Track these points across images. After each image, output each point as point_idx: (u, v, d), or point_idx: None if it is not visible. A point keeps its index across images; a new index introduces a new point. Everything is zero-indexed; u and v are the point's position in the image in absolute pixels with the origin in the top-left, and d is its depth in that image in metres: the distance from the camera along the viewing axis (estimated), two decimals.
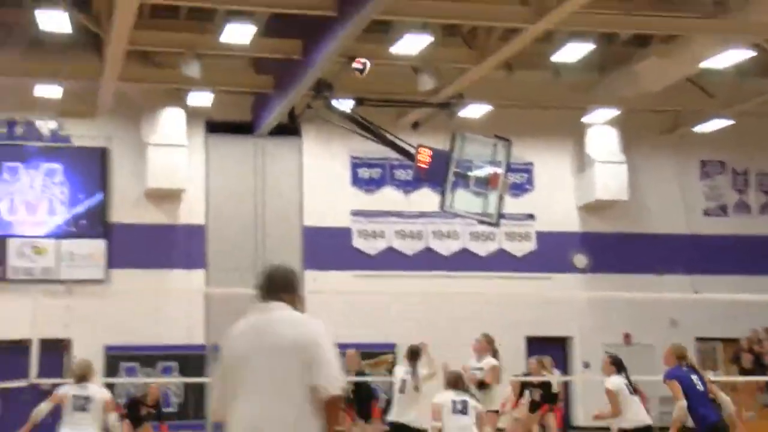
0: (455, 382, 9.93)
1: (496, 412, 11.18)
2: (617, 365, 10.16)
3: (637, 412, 9.84)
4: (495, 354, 11.22)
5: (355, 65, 10.58)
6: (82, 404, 9.22)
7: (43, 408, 9.87)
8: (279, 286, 4.40)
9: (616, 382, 9.89)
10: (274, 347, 4.19)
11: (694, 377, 9.34)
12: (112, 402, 9.93)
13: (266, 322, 4.29)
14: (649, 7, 16.72)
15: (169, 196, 19.75)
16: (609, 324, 20.71)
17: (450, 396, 9.81)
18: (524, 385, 14.67)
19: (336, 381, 4.21)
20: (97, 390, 9.68)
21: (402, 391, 10.69)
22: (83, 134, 19.57)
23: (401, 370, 10.91)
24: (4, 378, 16.83)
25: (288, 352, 4.17)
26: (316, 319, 4.31)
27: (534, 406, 14.67)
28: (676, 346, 9.73)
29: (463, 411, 9.46)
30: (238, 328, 4.37)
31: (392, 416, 10.73)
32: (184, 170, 19.50)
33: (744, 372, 18.27)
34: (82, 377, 9.61)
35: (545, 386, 14.65)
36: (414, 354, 10.88)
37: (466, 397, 9.81)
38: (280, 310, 4.34)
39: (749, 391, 18.91)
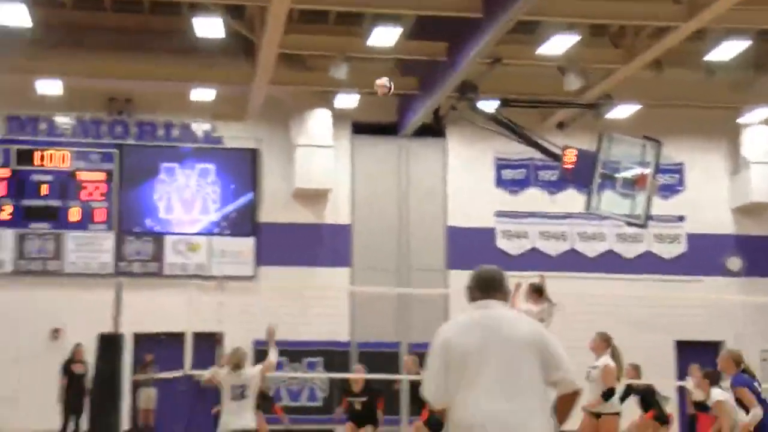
0: None
1: (616, 414, 10.80)
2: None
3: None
4: (613, 353, 10.81)
5: (379, 85, 10.87)
6: (240, 393, 9.59)
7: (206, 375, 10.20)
8: (495, 286, 4.60)
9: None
10: (509, 341, 4.36)
11: (755, 384, 9.10)
12: (268, 366, 10.22)
13: (495, 318, 4.47)
14: None
15: (315, 196, 20.19)
16: (765, 329, 19.96)
17: None
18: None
19: (573, 375, 4.40)
20: (250, 374, 9.97)
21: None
22: (235, 136, 20.24)
23: None
24: (163, 369, 17.66)
25: (525, 347, 4.35)
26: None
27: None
28: (734, 353, 9.42)
29: None
30: (461, 323, 4.53)
31: None
32: (330, 171, 19.88)
33: None
34: (237, 365, 9.85)
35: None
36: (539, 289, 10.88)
37: None
38: (501, 308, 4.55)
39: None
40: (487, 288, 4.58)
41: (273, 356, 10.00)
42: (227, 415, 9.70)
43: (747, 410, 9.02)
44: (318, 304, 19.24)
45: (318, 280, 19.82)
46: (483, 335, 4.39)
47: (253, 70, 17.51)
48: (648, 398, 13.75)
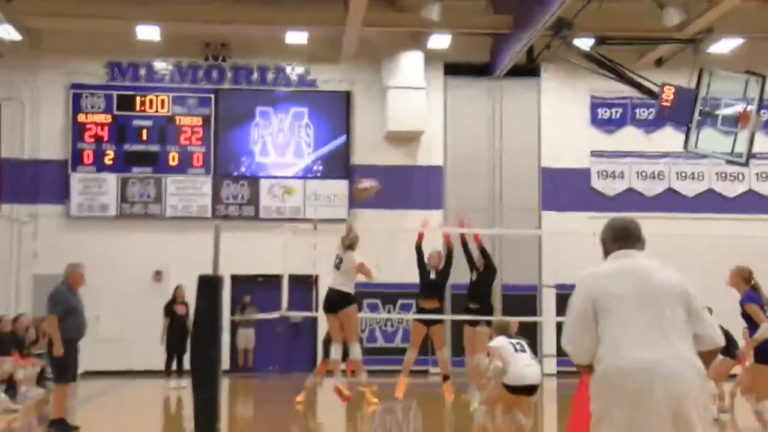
0: None
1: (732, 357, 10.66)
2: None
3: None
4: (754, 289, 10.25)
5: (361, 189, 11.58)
6: (337, 264, 11.93)
7: None
8: (635, 237, 4.57)
9: None
10: (659, 289, 4.34)
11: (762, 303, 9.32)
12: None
13: (641, 267, 4.44)
14: None
15: (408, 138, 20.19)
16: None
17: None
18: None
19: (719, 334, 4.37)
20: (351, 257, 12.54)
21: None
22: (328, 79, 20.33)
23: None
24: (260, 310, 18.08)
25: (674, 296, 4.32)
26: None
27: None
28: (742, 269, 9.42)
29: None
30: (606, 271, 4.48)
31: None
32: (422, 112, 19.83)
33: None
34: (350, 246, 12.51)
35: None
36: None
37: None
38: (642, 258, 4.51)
39: None
40: (625, 238, 4.55)
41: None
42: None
43: (756, 326, 9.18)
44: (410, 246, 19.30)
45: (410, 222, 19.89)
46: (632, 283, 4.35)
47: (345, 12, 17.50)
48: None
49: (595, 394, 4.31)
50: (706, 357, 4.31)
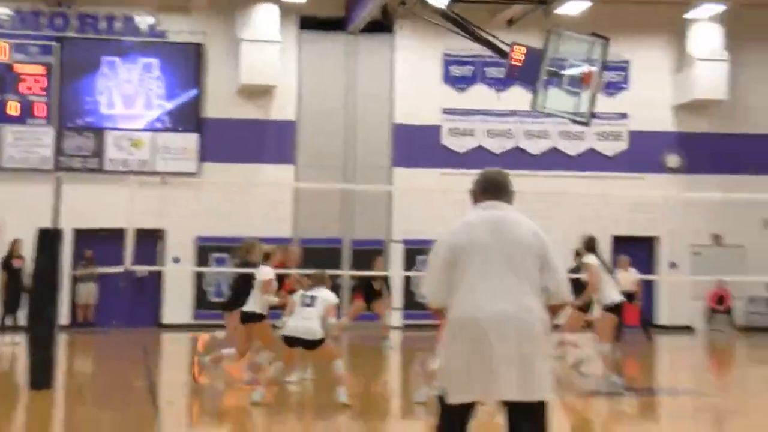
0: None
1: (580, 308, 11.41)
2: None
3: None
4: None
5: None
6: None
7: None
8: (500, 188, 4.64)
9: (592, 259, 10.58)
10: (514, 241, 4.43)
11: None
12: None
13: (502, 219, 4.52)
14: None
15: (261, 92, 19.95)
16: (698, 224, 20.41)
17: None
18: None
19: (567, 290, 4.50)
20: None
21: None
22: (179, 30, 19.82)
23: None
24: (103, 264, 17.60)
25: (528, 249, 4.42)
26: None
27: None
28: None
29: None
30: (466, 222, 4.56)
31: None
32: (276, 66, 19.61)
33: None
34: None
35: None
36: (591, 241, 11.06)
37: None
38: (509, 211, 4.59)
39: None
40: (493, 190, 4.63)
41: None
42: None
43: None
44: (261, 201, 19.21)
45: (262, 176, 19.76)
46: (491, 235, 4.45)
47: None
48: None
49: (445, 340, 4.42)
50: (554, 310, 4.47)
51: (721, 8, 19.62)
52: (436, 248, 4.55)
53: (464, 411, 4.38)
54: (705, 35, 20.50)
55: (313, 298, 9.24)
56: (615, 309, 10.51)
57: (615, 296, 10.49)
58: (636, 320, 17.71)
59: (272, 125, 20.19)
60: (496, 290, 4.33)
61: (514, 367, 4.25)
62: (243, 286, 10.55)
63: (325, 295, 9.32)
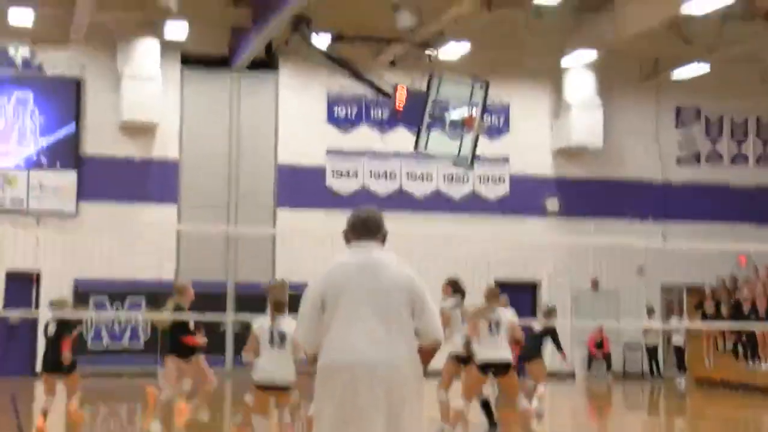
0: None
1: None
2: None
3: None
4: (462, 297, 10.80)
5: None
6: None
7: None
8: (372, 228, 4.54)
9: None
10: (385, 284, 4.33)
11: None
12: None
13: (373, 261, 4.42)
14: None
15: (143, 130, 19.56)
16: (578, 269, 20.86)
17: None
18: None
19: (439, 331, 4.41)
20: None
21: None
22: (57, 63, 19.27)
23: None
24: None
25: (399, 292, 4.32)
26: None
27: None
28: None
29: None
30: (337, 266, 4.46)
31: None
32: (158, 103, 19.27)
33: (706, 318, 18.54)
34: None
35: None
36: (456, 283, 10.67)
37: None
38: (381, 252, 4.49)
39: (710, 340, 19.22)
40: (364, 230, 4.54)
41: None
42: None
43: None
44: (143, 242, 18.75)
45: (144, 216, 19.31)
46: (357, 278, 4.36)
47: None
48: None
49: (316, 387, 4.33)
50: (426, 352, 4.38)
51: (593, 56, 20.29)
52: (306, 293, 4.45)
53: None
54: (579, 82, 21.18)
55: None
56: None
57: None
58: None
59: (155, 164, 19.79)
60: (365, 336, 4.26)
61: (382, 415, 4.18)
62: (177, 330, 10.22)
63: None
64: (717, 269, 20.31)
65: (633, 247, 20.34)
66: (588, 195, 21.56)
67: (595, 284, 21.26)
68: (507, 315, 10.06)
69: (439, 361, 10.49)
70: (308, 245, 19.24)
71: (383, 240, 4.57)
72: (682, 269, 20.80)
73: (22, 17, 18.07)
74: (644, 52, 20.77)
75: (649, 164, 22.23)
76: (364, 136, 20.98)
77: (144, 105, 19.11)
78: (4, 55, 19.03)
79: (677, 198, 22.06)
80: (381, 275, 4.38)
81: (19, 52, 19.09)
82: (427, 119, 15.23)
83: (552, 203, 21.66)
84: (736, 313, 18.41)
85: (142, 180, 19.57)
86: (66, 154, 19.18)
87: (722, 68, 20.79)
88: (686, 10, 17.01)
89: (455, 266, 18.15)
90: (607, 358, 20.75)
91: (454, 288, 10.64)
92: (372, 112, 21.02)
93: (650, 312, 20.03)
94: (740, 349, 18.53)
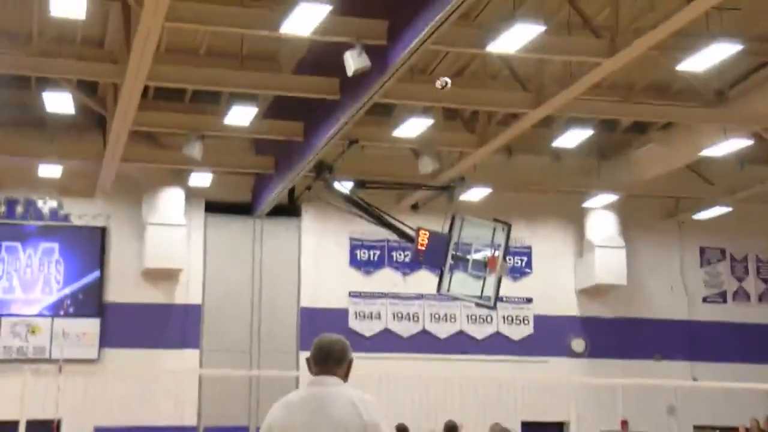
0: None
1: None
2: None
3: None
4: None
5: (437, 83, 10.77)
6: None
7: None
8: (333, 359, 4.23)
9: None
10: (331, 423, 4.02)
11: None
12: None
13: (322, 398, 4.11)
14: (650, 95, 16.92)
15: (166, 276, 19.67)
16: (606, 409, 20.45)
17: None
18: None
19: None
20: None
21: None
22: (83, 213, 19.59)
23: None
24: None
25: (345, 430, 4.01)
26: (373, 400, 4.15)
27: None
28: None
29: None
30: (289, 400, 4.20)
31: None
32: (182, 250, 19.45)
33: None
34: None
35: None
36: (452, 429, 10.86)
37: None
38: (336, 386, 4.17)
39: None
40: (323, 361, 4.24)
41: None
42: None
43: None
44: (165, 388, 18.62)
45: (166, 362, 19.22)
46: (304, 416, 4.07)
47: (103, 147, 17.06)
48: None
49: None
50: None
51: (614, 198, 20.48)
52: (262, 428, 4.20)
53: None
54: (601, 223, 21.27)
55: None
56: None
57: None
58: None
59: (177, 309, 19.82)
60: None
61: None
62: None
63: None
64: (749, 409, 19.85)
65: (662, 386, 20.00)
66: (614, 334, 21.34)
67: (624, 425, 20.80)
68: None
69: None
70: None
71: (343, 373, 4.25)
72: (713, 409, 20.34)
73: (50, 171, 18.51)
74: (665, 193, 20.93)
75: (675, 303, 22.07)
76: (386, 279, 21.02)
77: (167, 251, 19.26)
78: (33, 207, 19.39)
79: (705, 337, 21.78)
80: (329, 412, 4.05)
81: (47, 204, 19.45)
82: (449, 261, 15.29)
83: (577, 343, 21.42)
84: None
85: (164, 325, 19.58)
86: (89, 301, 19.26)
87: (744, 208, 20.88)
88: (705, 153, 17.25)
89: (481, 408, 17.93)
90: None
91: None
92: (395, 255, 21.13)
93: None
94: None
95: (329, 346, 4.27)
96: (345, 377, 4.26)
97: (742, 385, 18.11)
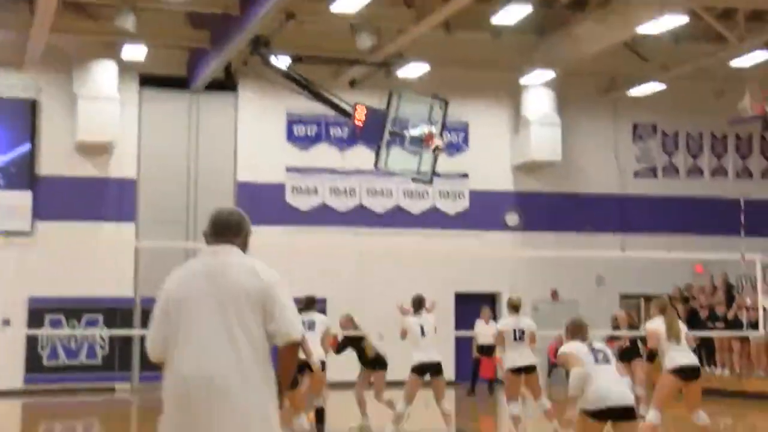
0: None
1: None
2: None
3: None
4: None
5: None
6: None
7: None
8: (230, 230, 4.25)
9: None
10: (228, 292, 4.04)
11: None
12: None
13: (219, 266, 4.12)
14: None
15: (99, 149, 19.48)
16: (537, 281, 21.10)
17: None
18: None
19: (294, 327, 4.09)
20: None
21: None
22: (11, 84, 19.15)
23: (413, 320, 11.05)
24: None
25: (243, 298, 4.03)
26: (269, 267, 4.17)
27: None
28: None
29: None
30: (186, 270, 4.21)
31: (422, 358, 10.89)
32: (115, 123, 19.21)
33: None
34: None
35: None
36: (420, 302, 11.26)
37: None
38: (232, 255, 4.18)
39: None
40: (221, 232, 4.24)
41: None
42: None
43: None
44: (101, 261, 18.66)
45: (102, 235, 19.25)
46: (203, 285, 4.07)
47: (31, 17, 16.53)
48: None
49: (163, 401, 4.10)
50: (284, 354, 4.09)
51: (551, 75, 20.56)
52: (157, 299, 4.19)
53: None
54: (538, 100, 21.41)
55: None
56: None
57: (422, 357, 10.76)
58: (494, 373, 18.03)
59: (112, 183, 19.72)
60: (206, 348, 3.97)
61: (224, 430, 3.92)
62: None
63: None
64: (674, 279, 20.62)
65: (592, 258, 20.62)
66: (547, 209, 21.80)
67: (554, 295, 21.54)
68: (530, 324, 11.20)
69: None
70: (268, 261, 19.28)
71: (242, 243, 4.26)
72: (640, 279, 21.10)
73: None
74: (601, 70, 21.07)
75: (608, 178, 22.54)
76: (324, 155, 21.05)
77: (100, 125, 19.03)
78: None
79: (635, 210, 22.37)
80: (227, 279, 4.06)
81: None
82: (386, 137, 15.33)
83: (512, 218, 21.86)
84: (693, 320, 18.76)
85: (100, 199, 19.52)
86: (21, 174, 19.06)
87: (677, 85, 21.15)
88: (641, 30, 17.33)
89: (417, 281, 18.32)
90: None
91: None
92: (332, 131, 21.10)
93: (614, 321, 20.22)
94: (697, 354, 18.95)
95: (226, 218, 4.30)
96: (243, 248, 4.26)
97: (667, 255, 18.72)
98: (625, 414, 6.64)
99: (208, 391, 3.94)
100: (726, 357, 18.37)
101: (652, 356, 9.87)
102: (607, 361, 6.88)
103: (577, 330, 7.21)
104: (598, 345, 7.12)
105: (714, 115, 22.46)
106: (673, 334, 9.40)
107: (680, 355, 9.43)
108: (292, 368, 4.16)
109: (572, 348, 7.03)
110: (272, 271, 4.17)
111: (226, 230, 4.26)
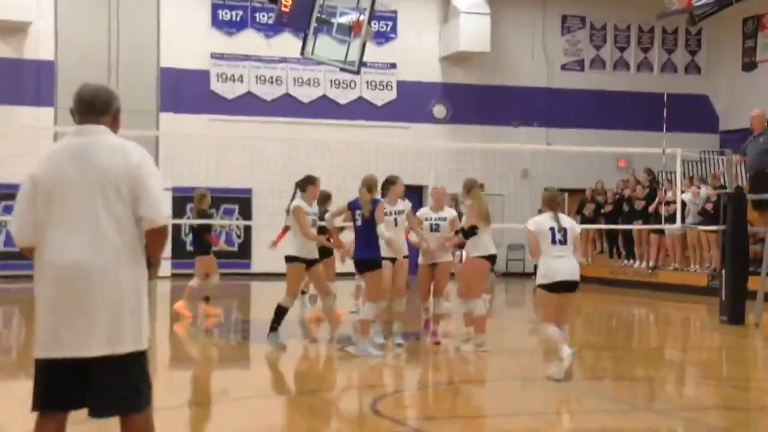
0: None
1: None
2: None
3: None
4: None
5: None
6: None
7: None
8: (97, 109, 4.02)
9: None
10: (98, 171, 3.89)
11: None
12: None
13: (84, 147, 3.94)
14: None
15: (14, 29, 18.78)
16: (464, 173, 21.07)
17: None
18: None
19: (161, 211, 3.97)
20: None
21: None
22: None
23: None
24: None
25: (115, 178, 3.89)
26: (139, 146, 4.00)
27: None
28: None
29: None
30: (52, 152, 4.00)
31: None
32: (31, 3, 18.45)
33: (586, 221, 19.11)
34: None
35: None
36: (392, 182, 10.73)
37: None
38: (99, 135, 3.98)
39: (589, 239, 20.03)
40: (87, 111, 4.01)
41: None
42: None
43: None
44: (20, 144, 18.13)
45: (19, 119, 18.68)
46: (69, 167, 3.91)
47: None
48: None
49: (35, 288, 4.00)
50: (151, 237, 3.99)
51: None
52: (23, 181, 3.98)
53: (62, 373, 3.93)
54: None
55: None
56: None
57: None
58: None
59: (28, 64, 19.08)
60: (74, 232, 3.87)
61: (95, 316, 3.88)
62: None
63: None
64: (598, 173, 20.88)
65: (518, 151, 20.71)
66: (475, 101, 21.72)
67: (481, 187, 21.63)
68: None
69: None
70: (192, 150, 19.02)
71: (113, 123, 4.05)
72: (564, 173, 21.32)
73: None
74: None
75: (535, 70, 22.48)
76: (249, 41, 20.58)
77: (15, 3, 18.30)
78: None
79: (562, 103, 22.43)
80: (95, 161, 3.90)
81: None
82: (313, 24, 14.99)
83: (439, 110, 21.75)
84: (616, 213, 19.17)
85: (15, 81, 18.89)
86: None
87: None
88: None
89: (342, 172, 18.25)
90: (492, 258, 21.13)
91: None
92: (258, 16, 20.57)
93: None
94: (615, 248, 19.67)
95: (93, 95, 4.05)
96: (113, 127, 4.07)
97: (591, 149, 18.87)
98: (570, 287, 8.02)
99: (78, 274, 3.87)
100: (644, 250, 18.81)
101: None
102: (563, 242, 8.01)
103: (550, 202, 8.33)
104: (563, 223, 8.10)
105: (642, 7, 22.44)
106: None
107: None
108: (159, 251, 4.07)
109: (538, 225, 8.08)
110: (141, 151, 3.99)
111: (92, 108, 4.02)
